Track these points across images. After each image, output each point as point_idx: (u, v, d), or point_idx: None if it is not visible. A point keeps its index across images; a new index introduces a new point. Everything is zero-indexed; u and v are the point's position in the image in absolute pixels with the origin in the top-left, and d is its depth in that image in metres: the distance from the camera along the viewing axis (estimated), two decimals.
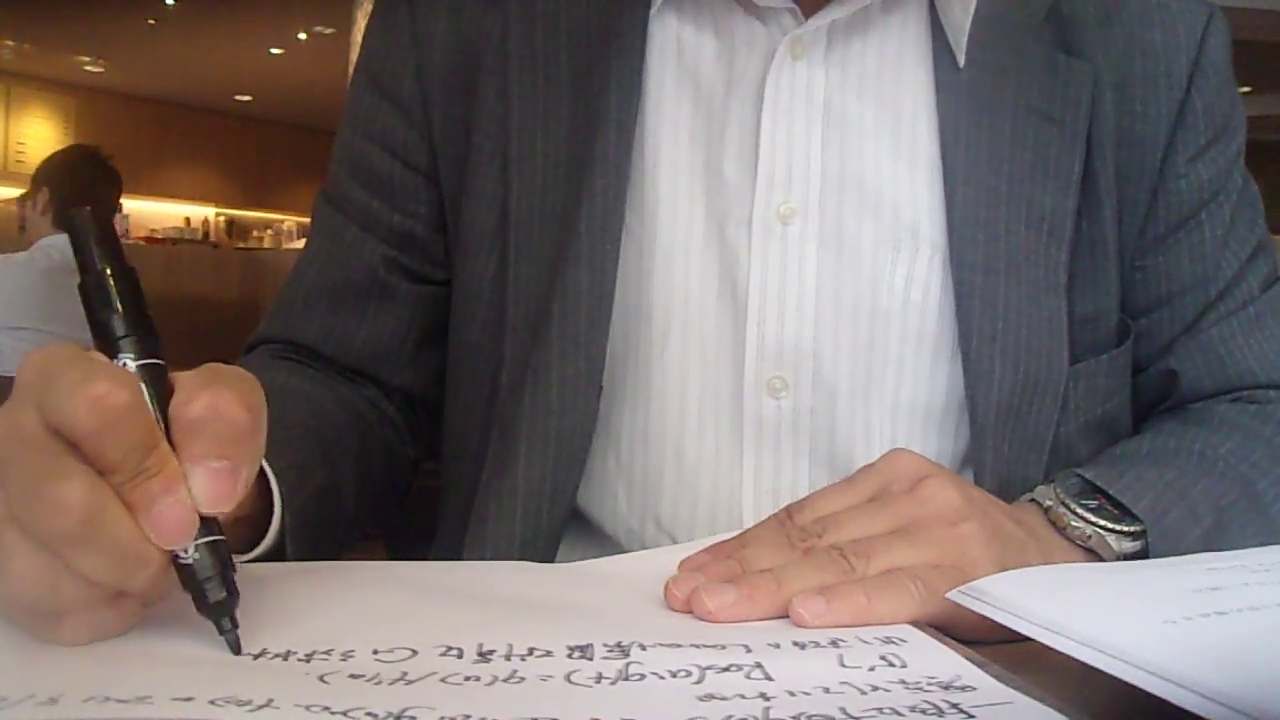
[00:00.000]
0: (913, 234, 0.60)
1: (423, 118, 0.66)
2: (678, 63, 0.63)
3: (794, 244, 0.60)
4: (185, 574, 0.35)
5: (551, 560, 0.59)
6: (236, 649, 0.35)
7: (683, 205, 0.61)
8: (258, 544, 0.47)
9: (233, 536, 0.47)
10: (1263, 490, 0.59)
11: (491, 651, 0.34)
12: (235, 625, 0.35)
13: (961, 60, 0.61)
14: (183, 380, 0.36)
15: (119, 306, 0.36)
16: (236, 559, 0.45)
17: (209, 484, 0.35)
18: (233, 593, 0.35)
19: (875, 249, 0.60)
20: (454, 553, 0.63)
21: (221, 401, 0.35)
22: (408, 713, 0.29)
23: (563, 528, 0.60)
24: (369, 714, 0.29)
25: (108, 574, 0.33)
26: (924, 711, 0.30)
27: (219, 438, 0.35)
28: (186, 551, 0.35)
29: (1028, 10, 0.63)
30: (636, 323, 0.61)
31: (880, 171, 0.61)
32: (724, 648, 0.36)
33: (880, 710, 0.30)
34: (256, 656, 0.34)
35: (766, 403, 0.60)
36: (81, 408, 0.33)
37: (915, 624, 0.41)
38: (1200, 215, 0.66)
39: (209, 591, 0.35)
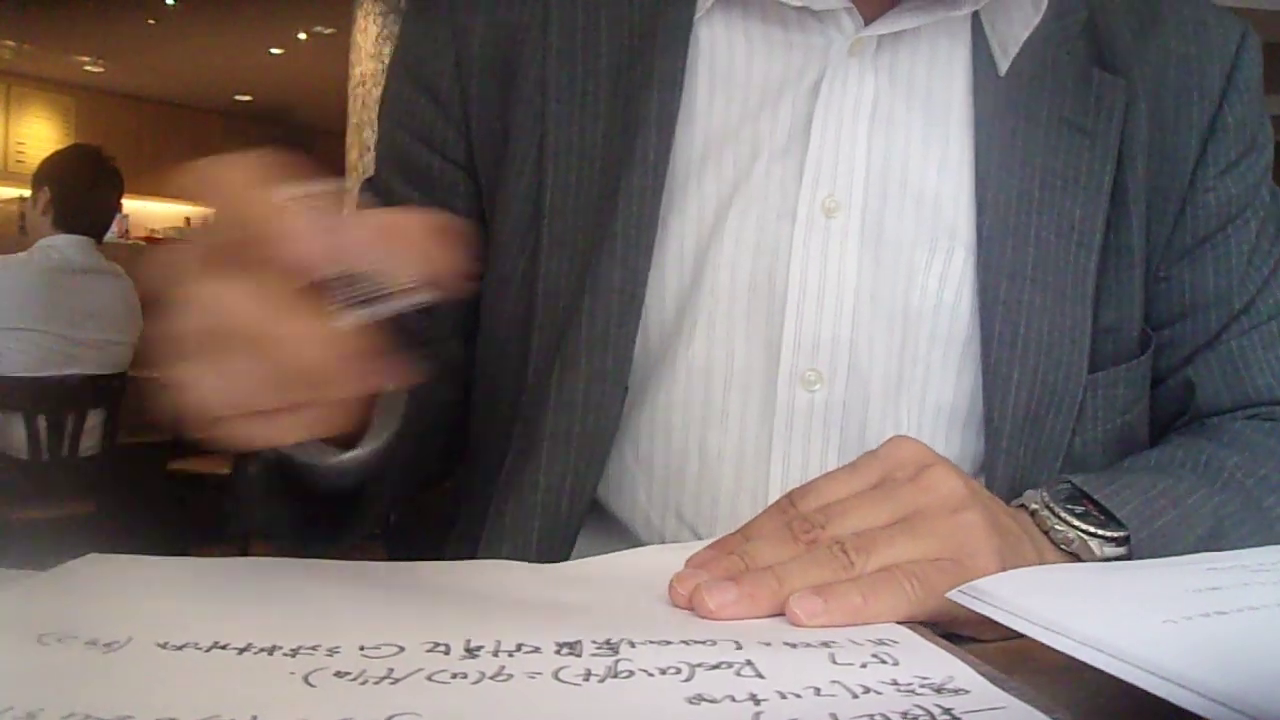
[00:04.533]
0: (949, 236, 0.61)
1: (461, 113, 0.66)
2: (724, 64, 0.63)
3: (836, 238, 0.61)
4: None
5: (569, 554, 0.59)
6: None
7: (723, 201, 0.62)
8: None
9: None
10: (1269, 506, 0.59)
11: (479, 648, 0.34)
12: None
13: (1004, 70, 0.62)
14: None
15: None
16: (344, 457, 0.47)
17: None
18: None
19: (913, 248, 0.61)
20: (470, 546, 0.63)
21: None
22: None
23: (581, 523, 0.60)
24: None
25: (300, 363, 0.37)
26: (915, 719, 0.30)
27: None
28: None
29: (1064, 24, 0.63)
30: (664, 316, 0.62)
31: (923, 173, 0.62)
32: (714, 644, 0.35)
33: (872, 717, 0.30)
34: (241, 651, 0.34)
35: (800, 394, 0.60)
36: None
37: (910, 623, 0.41)
38: (1227, 229, 0.66)
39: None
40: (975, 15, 0.63)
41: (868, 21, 0.62)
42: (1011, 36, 0.62)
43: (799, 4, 0.61)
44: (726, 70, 0.63)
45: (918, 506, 0.45)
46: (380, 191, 0.70)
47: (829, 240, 0.61)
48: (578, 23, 0.63)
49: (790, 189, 0.61)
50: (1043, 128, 0.62)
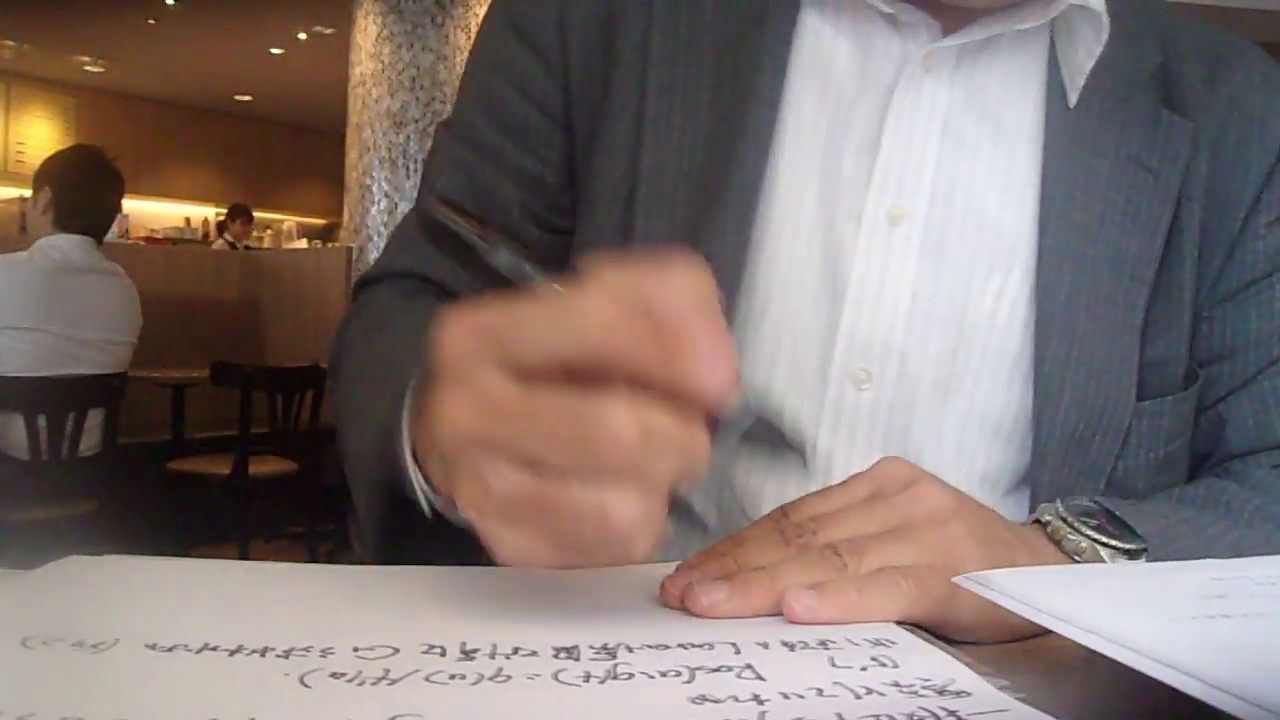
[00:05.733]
0: (1008, 256, 0.63)
1: (561, 65, 0.67)
2: (812, 56, 0.65)
3: (898, 245, 0.62)
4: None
5: None
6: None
7: (797, 191, 0.63)
8: None
9: None
10: None
11: (475, 650, 0.34)
12: None
13: (1074, 100, 0.64)
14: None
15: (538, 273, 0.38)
16: None
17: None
18: None
19: (972, 264, 0.63)
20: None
21: (697, 273, 0.35)
22: None
23: None
24: None
25: (679, 472, 0.34)
26: None
27: (705, 303, 0.35)
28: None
29: (1138, 64, 0.65)
30: (739, 296, 0.63)
31: (987, 192, 0.63)
32: (712, 647, 0.35)
33: (878, 718, 0.30)
34: (233, 653, 0.33)
35: (849, 391, 0.62)
36: (585, 322, 0.33)
37: (905, 624, 0.40)
38: (1272, 277, 0.67)
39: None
40: (1052, 48, 0.65)
41: (944, 35, 0.63)
42: (1078, 67, 0.63)
43: (888, 9, 0.62)
44: (816, 60, 0.64)
45: (906, 517, 0.46)
46: (469, 140, 0.70)
47: (891, 246, 0.62)
48: None
49: (859, 191, 0.63)
50: (1109, 162, 0.64)
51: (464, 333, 0.35)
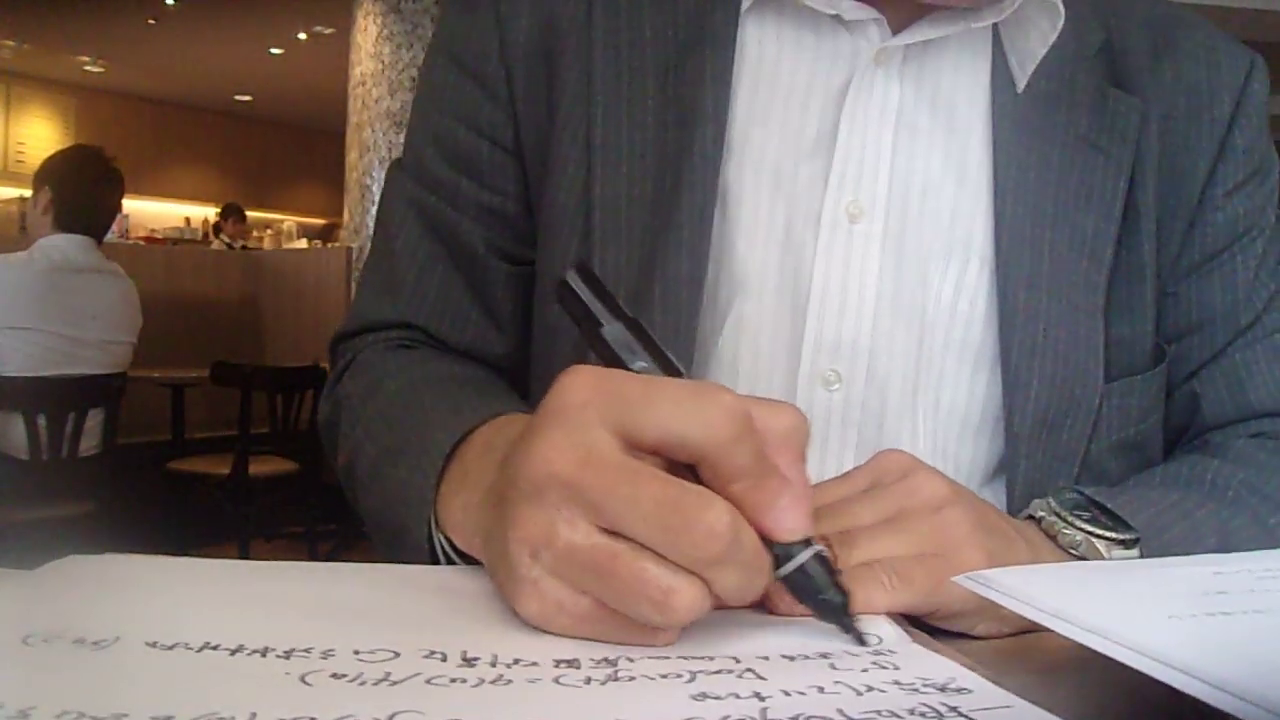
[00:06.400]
0: (965, 246, 0.63)
1: (507, 95, 0.67)
2: (758, 62, 0.64)
3: (859, 243, 0.62)
4: (797, 583, 0.37)
5: None
6: (862, 642, 0.37)
7: (750, 202, 0.63)
8: None
9: None
10: (1274, 526, 0.60)
11: (476, 659, 0.34)
12: (856, 620, 0.37)
13: (1021, 86, 0.64)
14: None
15: (647, 353, 0.39)
16: None
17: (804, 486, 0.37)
18: (845, 593, 0.37)
19: (931, 257, 0.63)
20: None
21: (802, 418, 0.38)
22: (396, 718, 0.28)
23: None
24: None
25: (740, 588, 0.35)
26: (923, 715, 0.30)
27: (802, 447, 0.37)
28: (791, 559, 0.37)
29: (1081, 44, 0.65)
30: (702, 310, 0.63)
31: (941, 184, 0.63)
32: (712, 659, 0.35)
33: (879, 713, 0.30)
34: (233, 652, 0.33)
35: (819, 393, 0.62)
36: (717, 420, 0.34)
37: (906, 628, 0.41)
38: (1234, 247, 0.68)
39: (829, 596, 0.37)
40: (996, 33, 0.64)
41: (895, 33, 0.63)
42: (1029, 53, 0.63)
43: (832, 12, 0.62)
44: (761, 69, 0.64)
45: (902, 507, 0.46)
46: (425, 181, 0.70)
47: (851, 245, 0.62)
48: (622, 19, 0.64)
49: (816, 192, 0.62)
50: (1059, 144, 0.63)
51: (590, 386, 0.36)
